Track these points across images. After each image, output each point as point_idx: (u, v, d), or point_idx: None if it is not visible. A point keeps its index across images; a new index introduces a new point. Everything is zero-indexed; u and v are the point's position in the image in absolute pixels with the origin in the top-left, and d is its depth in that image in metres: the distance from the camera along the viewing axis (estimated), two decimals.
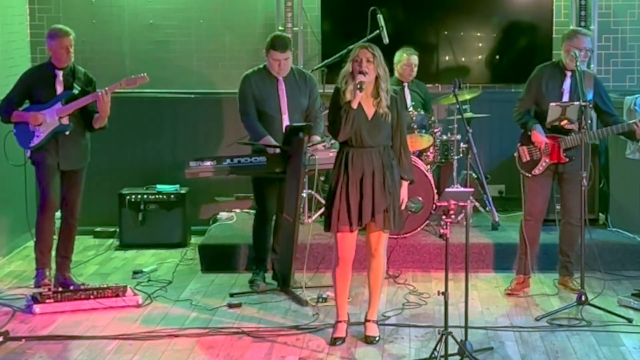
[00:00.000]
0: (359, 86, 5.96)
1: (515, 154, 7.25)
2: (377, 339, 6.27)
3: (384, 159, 6.11)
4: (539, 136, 7.04)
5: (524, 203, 7.31)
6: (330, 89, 6.51)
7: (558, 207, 7.53)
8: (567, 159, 7.02)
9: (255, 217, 7.43)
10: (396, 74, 8.41)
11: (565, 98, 7.09)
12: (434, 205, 7.76)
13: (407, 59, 8.39)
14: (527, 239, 7.26)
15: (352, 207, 6.09)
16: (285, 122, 7.35)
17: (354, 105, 5.98)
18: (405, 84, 8.44)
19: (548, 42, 8.83)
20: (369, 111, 6.08)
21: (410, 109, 8.21)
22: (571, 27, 8.47)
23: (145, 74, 7.29)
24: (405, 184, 6.23)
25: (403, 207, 6.26)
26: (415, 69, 8.46)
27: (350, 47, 6.52)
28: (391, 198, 6.12)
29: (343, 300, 6.29)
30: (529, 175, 7.19)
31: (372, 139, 6.06)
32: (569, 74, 7.12)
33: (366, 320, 6.34)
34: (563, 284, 7.32)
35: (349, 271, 6.25)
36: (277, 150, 7.02)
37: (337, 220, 6.12)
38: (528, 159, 7.16)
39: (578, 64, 6.95)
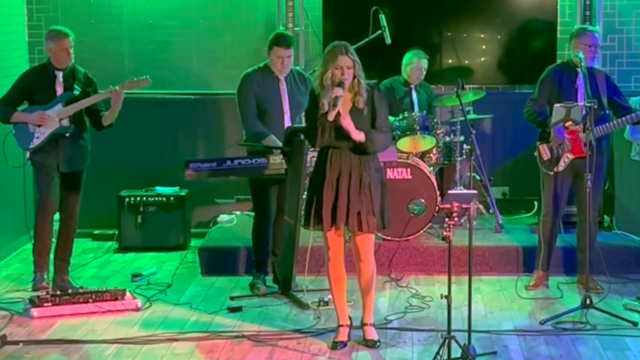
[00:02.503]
0: (333, 102, 5.97)
1: (536, 153, 7.29)
2: (377, 342, 6.28)
3: (362, 159, 6.12)
4: (559, 133, 7.07)
5: (544, 202, 7.36)
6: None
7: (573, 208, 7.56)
8: (589, 153, 6.97)
9: (255, 220, 7.44)
10: (405, 75, 8.42)
11: (580, 94, 7.11)
12: (437, 208, 7.76)
13: (417, 62, 8.42)
14: (544, 238, 7.33)
15: (325, 207, 6.12)
16: (287, 122, 7.36)
17: (330, 119, 5.99)
18: (413, 86, 8.46)
19: (553, 42, 8.86)
20: (345, 109, 6.08)
21: (417, 112, 8.23)
22: (578, 25, 8.49)
23: (147, 76, 7.31)
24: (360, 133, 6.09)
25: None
26: (424, 73, 8.47)
27: (354, 46, 6.48)
28: (367, 200, 6.12)
29: (342, 303, 6.32)
30: (551, 172, 7.23)
31: (349, 138, 6.05)
32: (579, 71, 7.14)
33: (363, 324, 6.35)
34: (583, 283, 7.26)
35: (341, 270, 6.28)
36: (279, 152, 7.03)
37: (313, 218, 6.17)
38: (549, 156, 7.22)
39: (583, 64, 6.98)
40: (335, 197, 6.15)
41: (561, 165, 7.20)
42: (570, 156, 7.16)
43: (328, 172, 6.12)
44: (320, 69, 6.37)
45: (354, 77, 6.14)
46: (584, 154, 7.01)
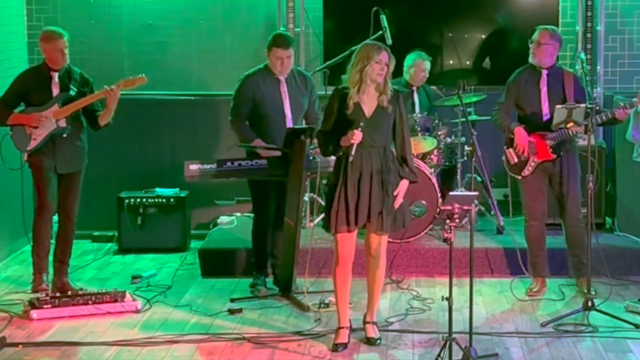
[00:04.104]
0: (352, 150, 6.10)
1: (503, 158, 7.31)
2: (378, 340, 6.30)
3: (383, 160, 6.14)
4: (521, 136, 7.11)
5: (523, 207, 7.36)
6: (332, 91, 6.52)
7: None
8: (555, 156, 7.04)
9: (254, 222, 7.46)
10: (407, 76, 8.43)
11: (544, 95, 7.12)
12: (438, 210, 7.76)
13: (421, 63, 8.43)
14: (532, 243, 7.31)
15: (350, 208, 6.14)
16: (289, 123, 7.37)
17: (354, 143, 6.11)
18: (415, 88, 8.47)
19: None
20: (368, 109, 6.11)
21: (418, 113, 8.25)
22: (579, 27, 8.50)
23: (143, 75, 7.30)
24: (406, 182, 6.25)
25: (397, 204, 6.26)
26: (427, 75, 8.48)
27: (354, 47, 6.47)
28: (388, 200, 6.15)
29: (344, 305, 6.32)
30: (519, 177, 7.25)
31: (371, 137, 6.08)
32: (544, 72, 7.14)
33: (365, 322, 6.37)
34: (579, 286, 7.32)
35: (349, 273, 6.28)
36: (276, 153, 7.03)
37: (335, 220, 6.16)
38: (516, 161, 7.23)
39: (585, 66, 7.02)
40: (357, 197, 6.18)
41: (528, 170, 7.19)
42: (537, 159, 7.15)
43: (349, 174, 6.15)
44: (355, 67, 6.33)
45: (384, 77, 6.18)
46: (550, 157, 7.08)
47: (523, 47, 7.55)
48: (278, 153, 7.02)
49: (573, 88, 7.13)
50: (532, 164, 7.16)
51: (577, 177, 7.26)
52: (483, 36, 9.13)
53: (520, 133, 7.12)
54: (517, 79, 7.28)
